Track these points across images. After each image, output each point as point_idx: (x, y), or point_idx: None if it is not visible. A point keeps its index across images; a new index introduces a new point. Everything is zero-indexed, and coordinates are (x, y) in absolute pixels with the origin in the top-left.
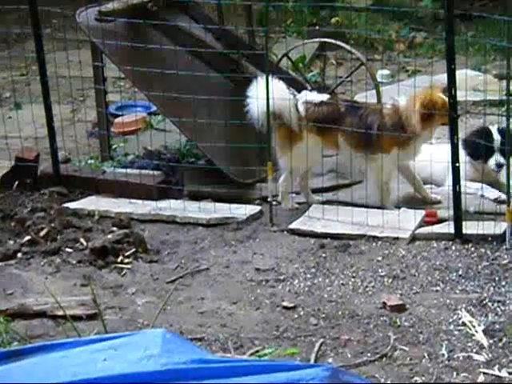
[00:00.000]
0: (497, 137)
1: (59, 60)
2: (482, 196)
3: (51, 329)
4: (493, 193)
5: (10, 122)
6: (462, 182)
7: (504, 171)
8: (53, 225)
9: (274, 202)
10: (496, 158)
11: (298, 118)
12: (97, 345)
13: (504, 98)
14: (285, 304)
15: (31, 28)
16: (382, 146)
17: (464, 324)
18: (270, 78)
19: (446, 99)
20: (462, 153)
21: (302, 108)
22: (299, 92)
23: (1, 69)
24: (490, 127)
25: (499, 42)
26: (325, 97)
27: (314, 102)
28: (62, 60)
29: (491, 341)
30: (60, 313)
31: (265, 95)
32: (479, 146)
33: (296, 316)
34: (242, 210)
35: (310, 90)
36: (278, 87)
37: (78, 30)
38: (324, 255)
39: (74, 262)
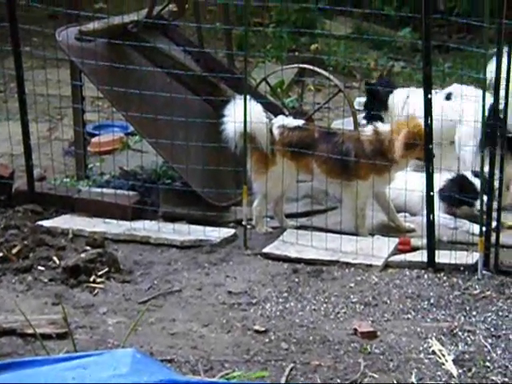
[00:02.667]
0: (475, 180)
1: (38, 78)
2: (456, 228)
3: (20, 347)
4: (467, 225)
5: None
6: (436, 213)
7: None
8: (26, 242)
9: (249, 226)
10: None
11: (271, 141)
12: (66, 363)
13: None
14: (256, 328)
15: (11, 45)
16: (357, 173)
17: (434, 353)
18: (247, 100)
19: None
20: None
21: (276, 132)
22: (276, 117)
23: None
24: (464, 173)
25: (475, 74)
26: (300, 122)
27: (288, 127)
28: (41, 78)
29: (461, 370)
30: (30, 331)
31: (241, 117)
32: (460, 194)
33: (267, 340)
34: (216, 233)
35: (287, 116)
36: (255, 109)
37: (57, 49)
38: (297, 280)
39: (46, 280)
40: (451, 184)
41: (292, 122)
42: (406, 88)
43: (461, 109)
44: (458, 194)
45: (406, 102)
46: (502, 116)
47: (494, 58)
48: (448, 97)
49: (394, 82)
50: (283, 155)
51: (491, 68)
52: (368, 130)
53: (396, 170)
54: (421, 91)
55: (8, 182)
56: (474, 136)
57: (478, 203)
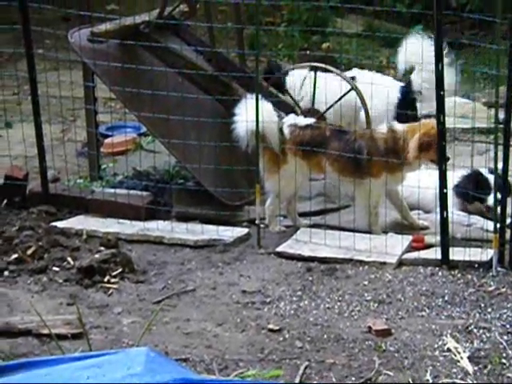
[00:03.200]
0: (489, 176)
1: (51, 80)
2: (470, 225)
3: (36, 347)
4: (481, 222)
5: (0, 141)
6: (450, 210)
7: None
8: (40, 243)
9: (262, 225)
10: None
11: (282, 140)
12: (80, 362)
13: (492, 125)
14: (270, 326)
15: (24, 48)
16: (370, 171)
17: (449, 350)
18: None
19: None
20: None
21: (287, 131)
22: (288, 115)
23: None
24: (480, 169)
25: (488, 71)
26: (311, 121)
27: (299, 126)
28: (54, 80)
29: (476, 368)
30: (45, 331)
31: (252, 116)
32: (474, 190)
33: (281, 339)
34: (230, 232)
35: (299, 114)
36: (265, 108)
37: (70, 51)
38: (310, 278)
39: (61, 280)
40: (466, 180)
41: (303, 120)
42: (301, 70)
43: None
44: (473, 190)
45: (303, 83)
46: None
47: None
48: None
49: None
50: (295, 154)
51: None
52: (382, 129)
53: (409, 170)
54: (316, 74)
55: (22, 183)
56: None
57: (489, 199)
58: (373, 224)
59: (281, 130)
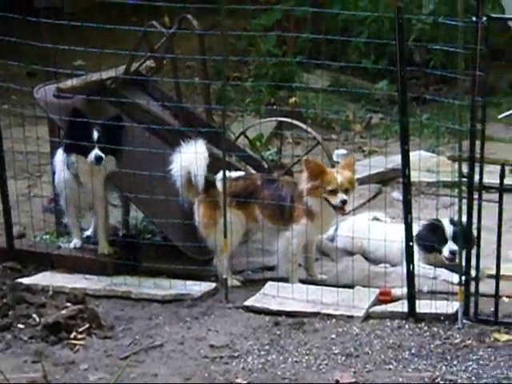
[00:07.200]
0: (449, 228)
1: (16, 135)
2: (435, 278)
3: None
4: (446, 274)
5: None
6: (416, 263)
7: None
8: (5, 300)
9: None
10: (449, 247)
11: (216, 194)
12: None
13: (456, 179)
14: (238, 381)
15: None
16: (292, 217)
17: None
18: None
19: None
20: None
21: (219, 184)
22: (256, 170)
23: None
24: (441, 219)
25: (452, 125)
26: (240, 173)
27: (231, 178)
28: (20, 135)
29: None
30: None
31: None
32: (432, 240)
33: None
34: (198, 287)
35: (267, 169)
36: (198, 147)
37: (35, 107)
38: (278, 332)
39: (26, 338)
40: (426, 229)
41: (233, 173)
42: None
43: None
44: (431, 240)
45: None
46: None
47: None
48: None
49: None
50: (229, 206)
51: None
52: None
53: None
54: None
55: None
56: None
57: (445, 250)
58: (290, 271)
59: (214, 184)
